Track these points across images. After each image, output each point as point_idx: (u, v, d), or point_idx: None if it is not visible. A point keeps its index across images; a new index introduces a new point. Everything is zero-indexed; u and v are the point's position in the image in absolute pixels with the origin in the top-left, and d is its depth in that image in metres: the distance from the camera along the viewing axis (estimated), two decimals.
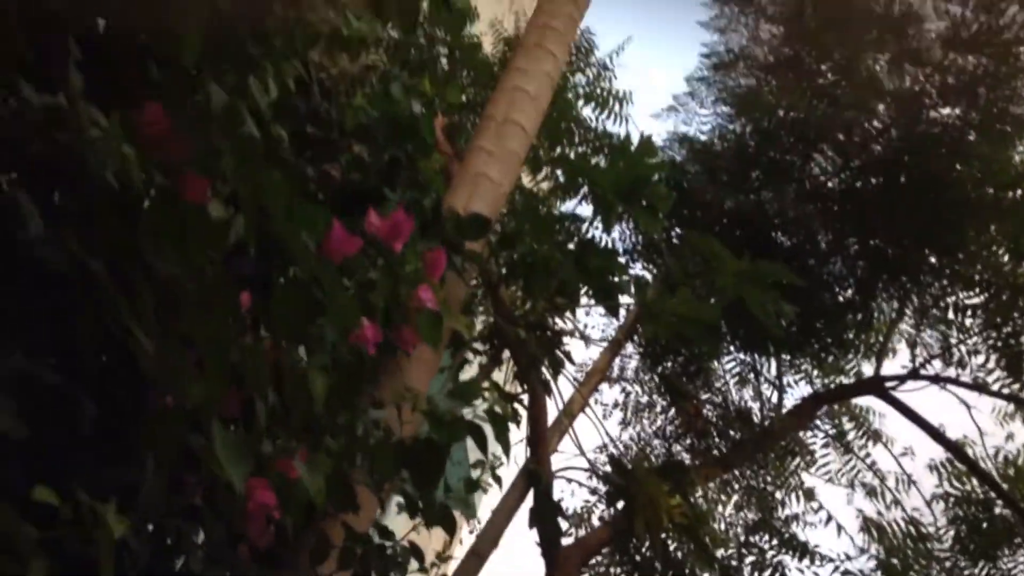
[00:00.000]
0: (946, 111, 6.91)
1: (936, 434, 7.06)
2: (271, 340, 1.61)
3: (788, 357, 7.98)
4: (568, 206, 7.90)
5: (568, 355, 4.61)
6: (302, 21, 1.83)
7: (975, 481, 7.21)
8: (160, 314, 1.30)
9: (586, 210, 7.60)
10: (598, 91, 8.13)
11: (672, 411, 8.13)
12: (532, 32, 4.63)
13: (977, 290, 6.89)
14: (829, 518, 7.63)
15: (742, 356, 8.08)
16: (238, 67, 1.55)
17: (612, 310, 4.86)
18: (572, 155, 7.90)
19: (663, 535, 5.96)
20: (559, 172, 7.67)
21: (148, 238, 1.13)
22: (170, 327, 1.30)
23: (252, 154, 1.29)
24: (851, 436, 8.10)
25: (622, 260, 7.21)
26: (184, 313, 1.29)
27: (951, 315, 7.04)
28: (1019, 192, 6.63)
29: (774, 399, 7.97)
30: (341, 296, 1.43)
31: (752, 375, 8.13)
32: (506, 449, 2.29)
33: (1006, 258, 6.80)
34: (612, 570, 6.93)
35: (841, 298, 7.79)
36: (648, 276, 7.46)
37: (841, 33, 7.52)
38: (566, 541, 5.96)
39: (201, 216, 1.13)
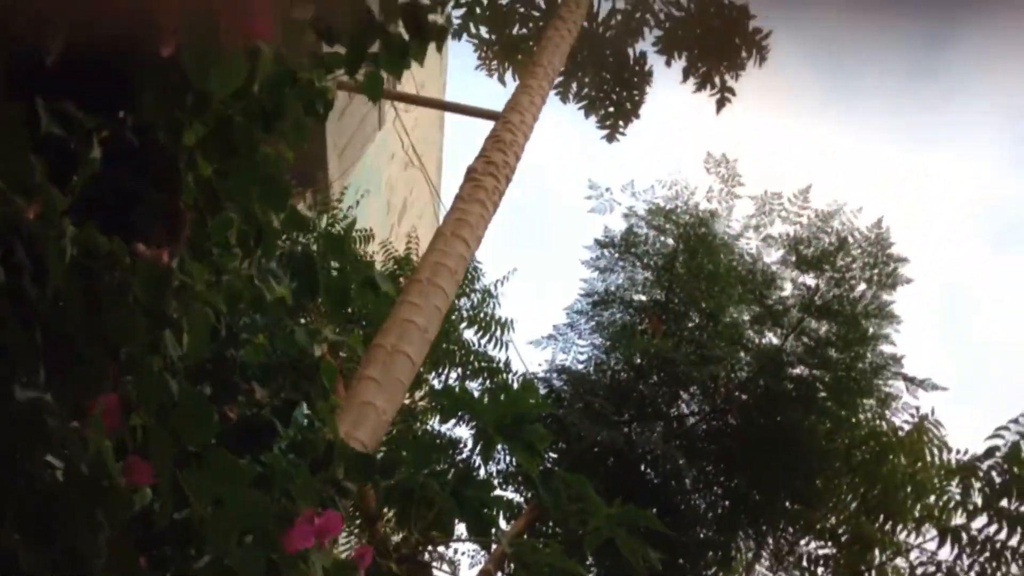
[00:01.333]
0: (801, 368, 7.54)
1: None
2: None
3: None
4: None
5: None
6: (227, 284, 1.95)
7: None
8: None
9: (463, 430, 7.69)
10: (481, 315, 8.41)
11: None
12: (425, 268, 4.92)
13: (829, 541, 7.20)
14: None
15: None
16: (152, 325, 1.62)
17: (485, 545, 4.85)
18: (453, 376, 8.09)
19: None
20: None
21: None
22: None
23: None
24: None
25: (497, 485, 7.24)
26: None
27: (804, 563, 7.29)
28: (867, 449, 7.14)
29: None
30: None
31: None
32: None
33: (855, 509, 7.19)
34: None
35: (703, 535, 7.97)
36: (522, 502, 7.46)
37: (709, 286, 8.23)
38: None
39: (124, 500, 1.16)
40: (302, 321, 2.95)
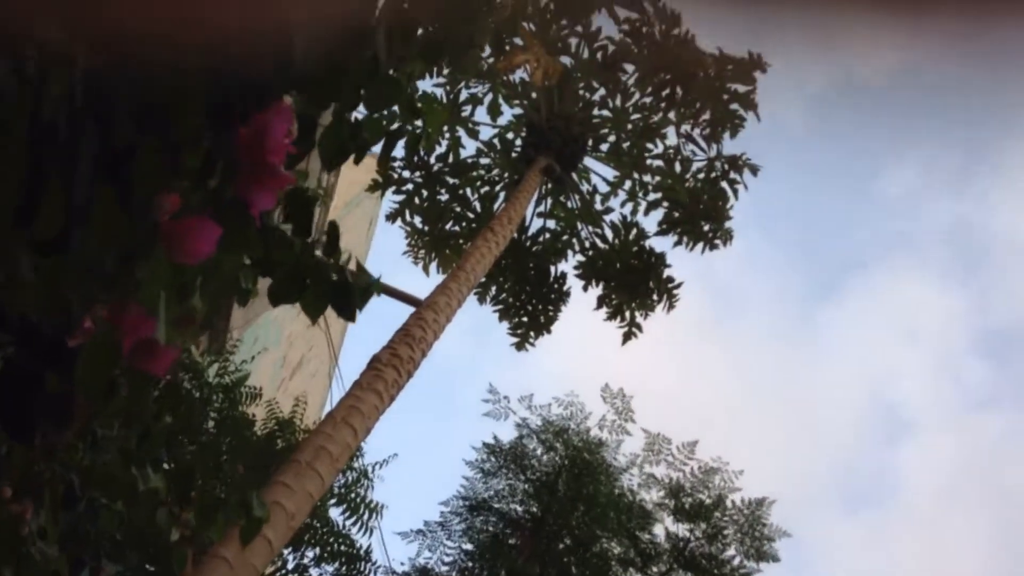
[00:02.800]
0: None
1: None
2: None
3: None
4: None
5: None
6: (101, 469, 1.88)
7: None
8: None
9: None
10: (352, 496, 8.15)
11: None
12: (307, 449, 4.77)
13: None
14: None
15: None
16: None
17: None
18: (309, 554, 7.71)
19: None
20: None
21: None
22: None
23: None
24: None
25: None
26: None
27: None
28: None
29: None
30: None
31: None
32: None
33: None
34: None
35: None
36: None
37: (586, 512, 8.23)
38: None
39: None
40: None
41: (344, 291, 1.71)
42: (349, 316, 1.77)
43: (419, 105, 1.97)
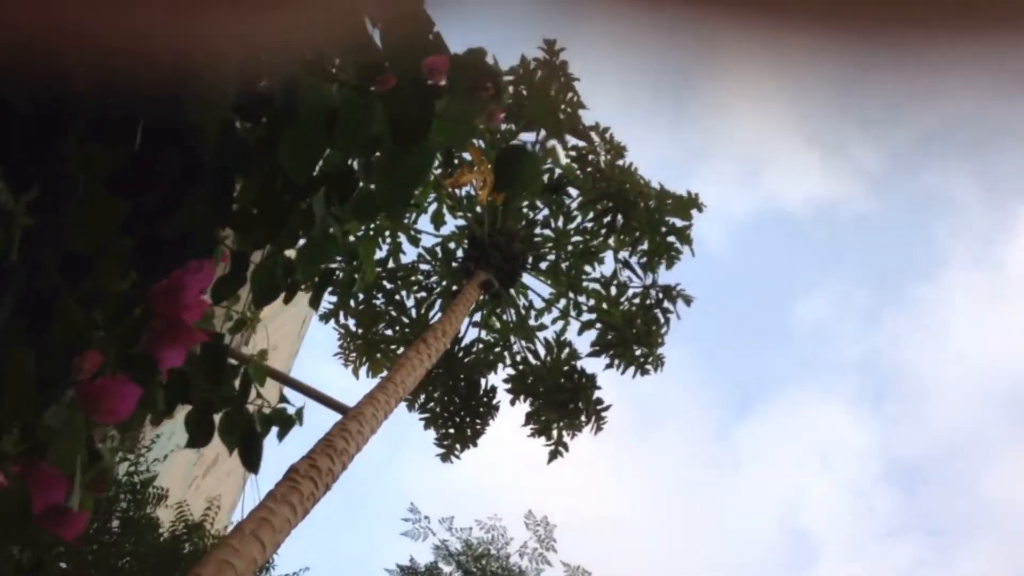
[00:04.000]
0: None
1: None
2: None
3: None
4: None
5: None
6: None
7: None
8: None
9: None
10: None
11: None
12: (210, 563, 4.55)
13: None
14: None
15: None
16: None
17: None
18: None
19: None
20: None
21: None
22: None
23: None
24: None
25: None
26: None
27: None
28: None
29: None
30: None
31: None
32: None
33: None
34: None
35: None
36: None
37: None
38: None
39: None
40: None
41: (249, 443, 1.66)
42: (252, 468, 1.72)
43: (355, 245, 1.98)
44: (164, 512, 7.55)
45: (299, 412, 2.67)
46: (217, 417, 2.25)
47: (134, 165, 1.23)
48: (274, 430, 2.58)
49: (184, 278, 1.21)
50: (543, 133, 7.80)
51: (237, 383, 2.35)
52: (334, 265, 1.99)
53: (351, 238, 2.31)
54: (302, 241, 1.71)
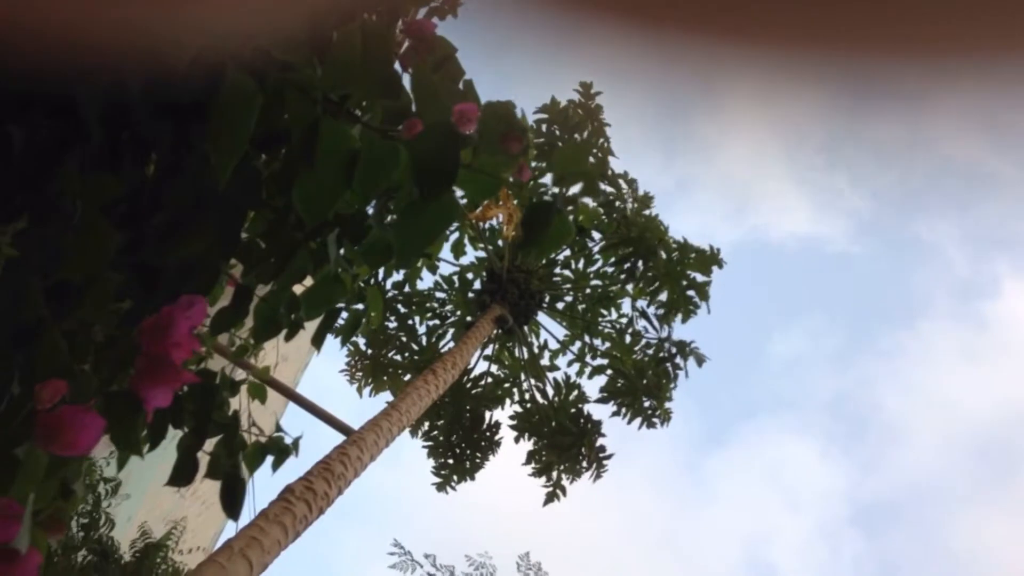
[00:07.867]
0: None
1: None
2: None
3: None
4: None
5: None
6: None
7: None
8: None
9: None
10: None
11: None
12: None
13: None
14: None
15: None
16: None
17: None
18: None
19: None
20: None
21: None
22: None
23: None
24: None
25: None
26: None
27: None
28: None
29: None
30: None
31: None
32: None
33: None
34: None
35: None
36: None
37: None
38: None
39: None
40: None
41: (231, 488, 1.59)
42: (232, 515, 1.65)
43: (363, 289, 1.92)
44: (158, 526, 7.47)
45: (296, 442, 2.60)
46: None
47: (140, 191, 1.18)
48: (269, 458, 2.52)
49: (174, 314, 1.15)
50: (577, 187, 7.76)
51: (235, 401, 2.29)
52: (340, 305, 1.92)
53: (360, 283, 2.25)
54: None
